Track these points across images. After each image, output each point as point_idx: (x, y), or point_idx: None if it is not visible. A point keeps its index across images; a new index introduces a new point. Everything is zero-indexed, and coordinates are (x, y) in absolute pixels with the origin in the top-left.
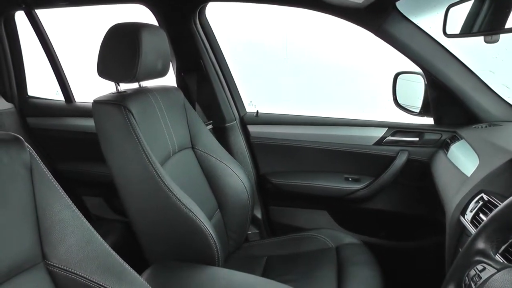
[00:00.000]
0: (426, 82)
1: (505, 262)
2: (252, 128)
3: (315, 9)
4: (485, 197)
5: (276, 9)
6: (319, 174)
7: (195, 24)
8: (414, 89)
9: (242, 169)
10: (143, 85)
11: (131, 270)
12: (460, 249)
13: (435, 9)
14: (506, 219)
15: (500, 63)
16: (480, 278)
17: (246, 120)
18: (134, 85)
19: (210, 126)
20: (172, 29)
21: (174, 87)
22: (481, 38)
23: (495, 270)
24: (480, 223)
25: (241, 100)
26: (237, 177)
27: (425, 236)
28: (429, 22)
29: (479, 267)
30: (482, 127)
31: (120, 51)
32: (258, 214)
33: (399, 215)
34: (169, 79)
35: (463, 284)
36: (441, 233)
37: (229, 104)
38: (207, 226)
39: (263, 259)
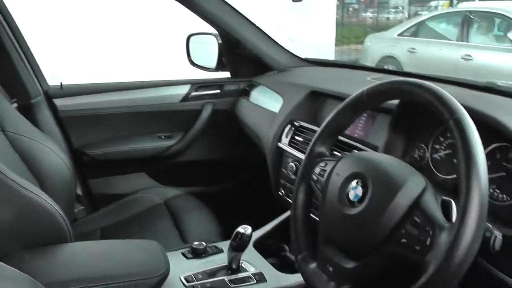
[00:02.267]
0: (220, 41)
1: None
2: (59, 102)
3: None
4: (296, 123)
5: None
6: (133, 137)
7: None
8: (208, 48)
9: (58, 145)
10: None
11: None
12: (282, 169)
13: None
14: (334, 125)
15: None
16: (325, 170)
17: (51, 94)
18: None
19: (15, 105)
20: None
21: None
22: None
23: (335, 161)
24: (297, 144)
25: (42, 73)
26: (55, 155)
27: (241, 175)
28: None
29: (322, 164)
30: (274, 73)
31: None
32: (78, 190)
33: (214, 162)
34: None
35: (312, 181)
36: (254, 170)
37: (31, 79)
38: (52, 204)
39: (97, 232)
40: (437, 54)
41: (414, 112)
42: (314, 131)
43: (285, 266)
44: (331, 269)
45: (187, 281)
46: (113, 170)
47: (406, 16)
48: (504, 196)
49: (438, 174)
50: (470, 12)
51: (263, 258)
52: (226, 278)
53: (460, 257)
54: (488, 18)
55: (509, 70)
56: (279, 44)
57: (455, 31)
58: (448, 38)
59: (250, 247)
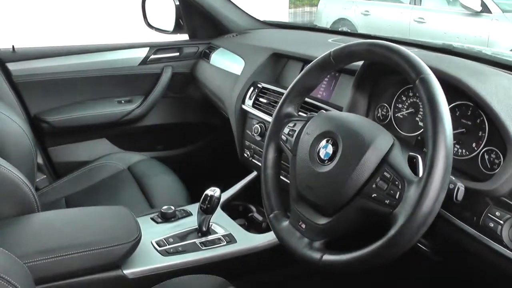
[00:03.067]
0: (177, 3)
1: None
2: (12, 66)
3: None
4: (259, 85)
5: None
6: (92, 102)
7: None
8: (164, 10)
9: (15, 112)
10: None
11: None
12: (247, 131)
13: None
14: (301, 86)
15: None
16: (294, 130)
17: (3, 58)
18: None
19: None
20: None
21: None
22: None
23: (304, 121)
24: (261, 105)
25: None
26: (13, 122)
27: (204, 138)
28: None
29: (291, 124)
30: (233, 35)
31: None
32: (39, 159)
33: (176, 125)
34: None
35: (281, 141)
36: (217, 132)
37: None
38: (17, 173)
39: (62, 201)
40: (390, 16)
41: (377, 72)
42: (278, 93)
43: (253, 227)
44: (303, 226)
45: (159, 246)
46: (74, 137)
47: None
48: (464, 150)
49: (401, 132)
50: None
51: (231, 220)
52: (197, 240)
53: (428, 207)
54: None
55: (461, 32)
56: (237, 6)
57: None
58: (400, 1)
59: (218, 209)
